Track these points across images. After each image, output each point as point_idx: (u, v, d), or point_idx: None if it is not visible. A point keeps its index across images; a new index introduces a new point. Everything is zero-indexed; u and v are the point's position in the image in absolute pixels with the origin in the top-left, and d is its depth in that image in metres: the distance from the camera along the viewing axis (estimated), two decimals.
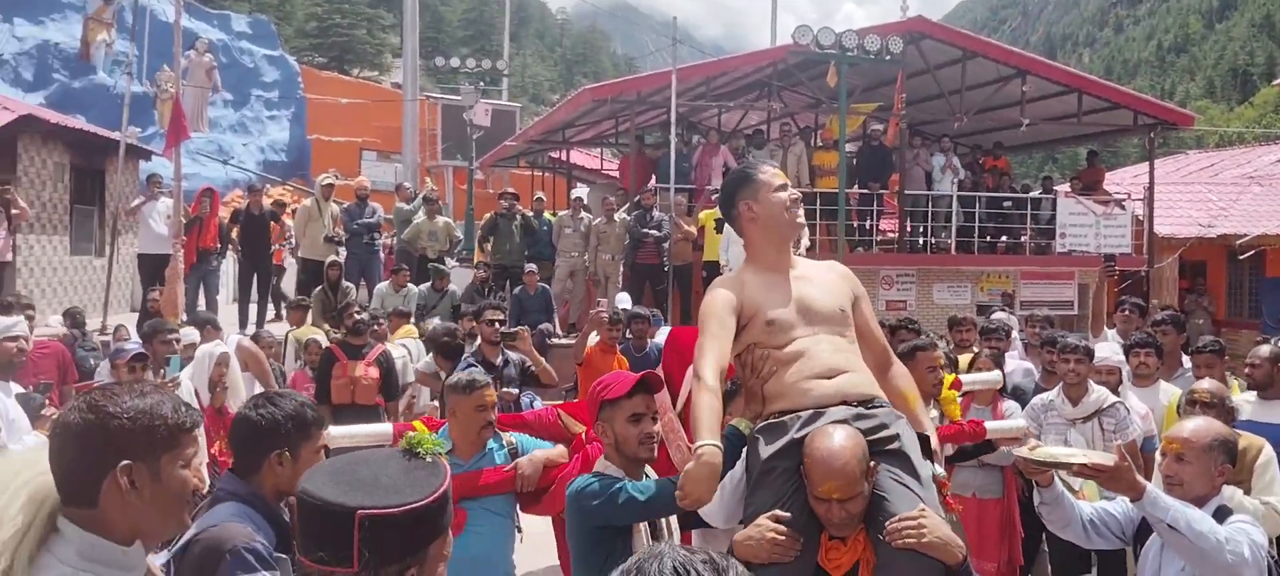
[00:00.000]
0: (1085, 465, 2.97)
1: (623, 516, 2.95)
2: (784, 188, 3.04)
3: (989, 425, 4.81)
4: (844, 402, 2.78)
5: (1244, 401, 5.43)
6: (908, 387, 3.10)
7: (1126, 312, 7.82)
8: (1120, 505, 3.26)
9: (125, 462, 1.71)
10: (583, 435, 3.81)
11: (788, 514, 2.60)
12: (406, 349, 8.78)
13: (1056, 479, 3.16)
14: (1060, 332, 7.20)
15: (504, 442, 3.88)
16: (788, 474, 2.68)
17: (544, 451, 3.84)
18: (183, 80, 11.62)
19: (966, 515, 5.95)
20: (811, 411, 2.76)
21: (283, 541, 2.37)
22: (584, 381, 8.00)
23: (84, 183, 15.60)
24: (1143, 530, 3.20)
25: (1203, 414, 4.39)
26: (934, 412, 4.71)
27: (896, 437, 2.72)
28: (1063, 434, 5.41)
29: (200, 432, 1.93)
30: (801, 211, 3.08)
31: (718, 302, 2.93)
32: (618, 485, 2.96)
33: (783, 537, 2.56)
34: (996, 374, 5.79)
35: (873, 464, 2.61)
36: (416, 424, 4.14)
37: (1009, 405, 6.04)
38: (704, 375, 2.72)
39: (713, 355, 2.78)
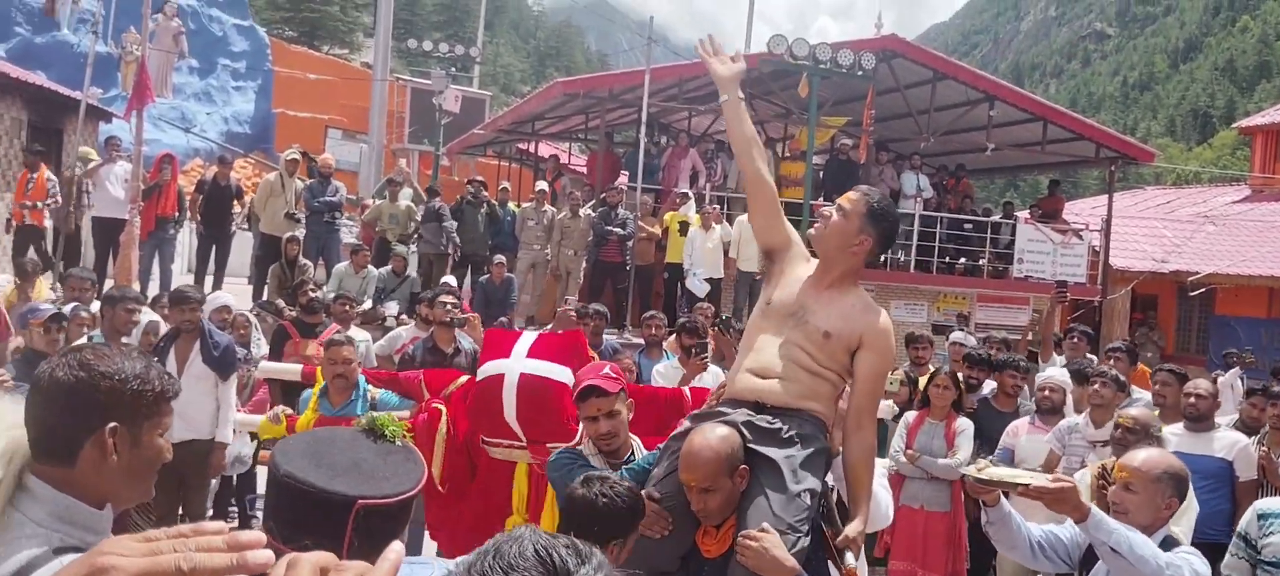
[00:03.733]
0: (1031, 487, 2.98)
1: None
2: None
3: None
4: (757, 403, 2.93)
5: (1171, 433, 5.56)
6: (862, 465, 3.03)
7: (1075, 340, 7.96)
8: (1068, 529, 3.28)
9: (112, 424, 1.68)
10: (428, 401, 4.43)
11: (659, 493, 2.85)
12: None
13: (1001, 499, 3.18)
14: (1019, 356, 7.33)
15: (366, 394, 4.84)
16: (677, 457, 2.88)
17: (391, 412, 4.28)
18: (149, 43, 11.42)
19: (913, 527, 6.05)
20: (723, 408, 2.97)
21: None
22: None
23: (42, 141, 15.27)
24: (1089, 557, 3.21)
25: (1127, 440, 4.48)
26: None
27: (772, 457, 2.81)
28: (1083, 455, 5.51)
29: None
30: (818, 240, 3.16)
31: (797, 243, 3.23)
32: (581, 465, 3.15)
33: (650, 512, 2.78)
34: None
35: (744, 467, 2.79)
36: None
37: (961, 423, 6.13)
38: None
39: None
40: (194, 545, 0.80)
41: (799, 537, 2.76)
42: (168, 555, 0.77)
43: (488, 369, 4.02)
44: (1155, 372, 6.46)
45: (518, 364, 3.97)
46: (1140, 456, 3.24)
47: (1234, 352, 11.82)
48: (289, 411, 5.17)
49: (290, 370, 5.21)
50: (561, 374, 3.91)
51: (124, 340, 6.10)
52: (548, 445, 3.89)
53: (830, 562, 2.94)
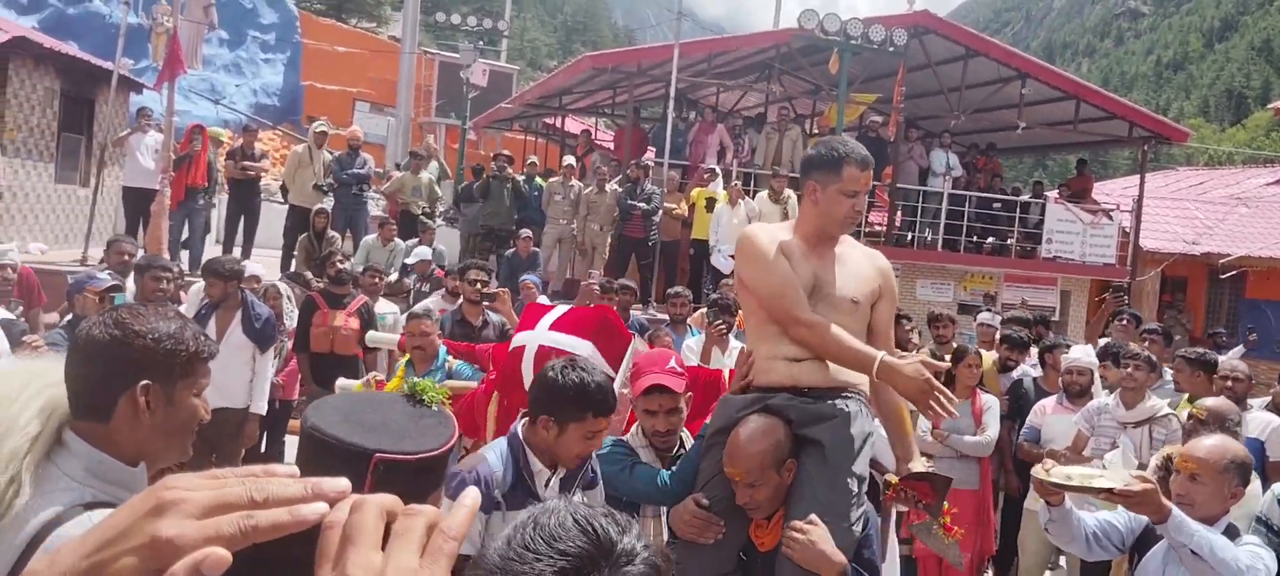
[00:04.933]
0: (1112, 490, 2.87)
1: (625, 491, 3.10)
2: (855, 196, 2.96)
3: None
4: (794, 387, 2.85)
5: None
6: (901, 403, 3.04)
7: (1124, 322, 7.95)
8: (1122, 515, 3.21)
9: (145, 382, 1.71)
10: (491, 373, 4.59)
11: (707, 499, 2.82)
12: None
13: (1066, 497, 3.08)
14: (1064, 339, 7.31)
15: (445, 364, 5.20)
16: (721, 455, 2.83)
17: (454, 383, 4.83)
18: (180, 15, 11.47)
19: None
20: (760, 394, 2.88)
21: None
22: None
23: (73, 111, 15.41)
24: (1144, 538, 3.15)
25: (1200, 432, 4.45)
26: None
27: (819, 442, 2.77)
28: (1113, 437, 5.50)
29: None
30: (856, 222, 3.06)
31: (768, 241, 2.97)
32: (632, 461, 3.11)
33: (699, 519, 2.76)
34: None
35: (791, 461, 2.74)
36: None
37: (987, 399, 6.11)
38: (803, 318, 2.84)
39: (796, 293, 2.88)
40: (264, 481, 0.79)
41: (847, 527, 2.72)
42: (235, 487, 0.76)
43: (516, 340, 4.07)
44: (1173, 358, 6.43)
45: (539, 335, 4.00)
46: (1206, 445, 3.14)
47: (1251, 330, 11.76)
48: (380, 377, 5.60)
49: (389, 339, 5.88)
50: (579, 347, 3.92)
51: (181, 309, 6.17)
52: None
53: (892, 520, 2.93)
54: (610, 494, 3.17)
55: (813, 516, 2.64)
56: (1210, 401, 4.68)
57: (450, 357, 5.35)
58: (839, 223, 2.99)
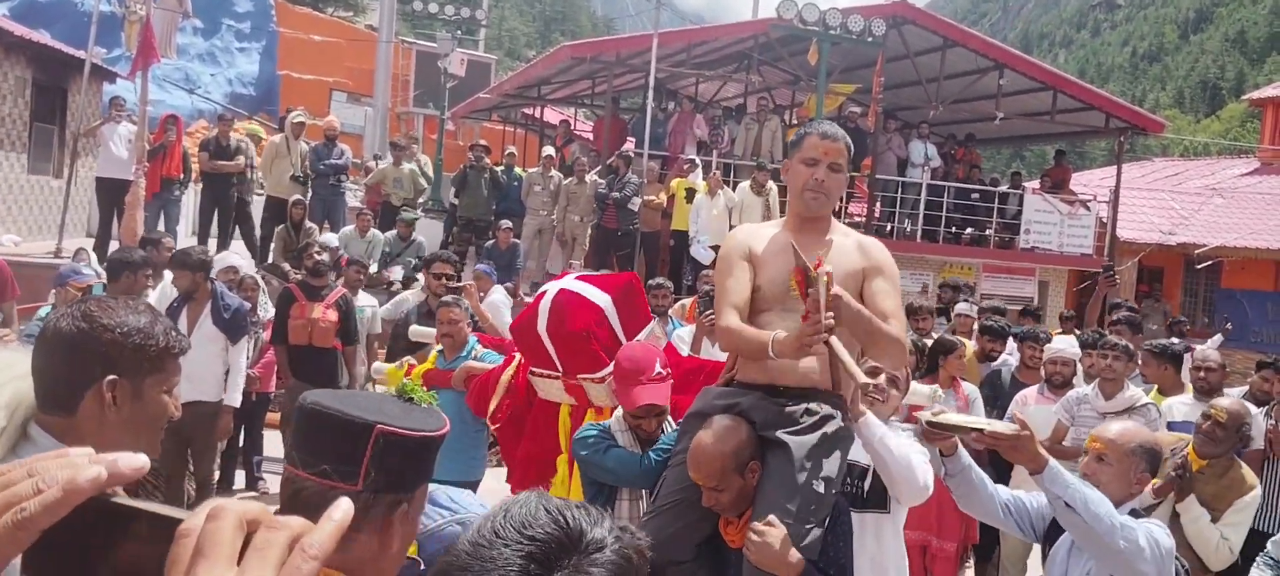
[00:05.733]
0: (985, 432, 2.91)
1: (602, 473, 3.15)
2: (813, 164, 2.93)
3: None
4: (770, 385, 2.84)
5: (1180, 403, 5.60)
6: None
7: (1118, 328, 7.95)
8: (1037, 498, 3.17)
9: (111, 377, 1.69)
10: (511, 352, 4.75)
11: (673, 488, 2.84)
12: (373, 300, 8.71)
13: (960, 449, 3.07)
14: (1043, 329, 7.34)
15: (474, 351, 5.29)
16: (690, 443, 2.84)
17: (470, 364, 5.11)
18: (153, 3, 11.32)
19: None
20: (735, 392, 2.89)
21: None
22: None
23: (45, 100, 15.21)
24: (1053, 529, 3.14)
25: (1216, 434, 4.47)
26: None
27: (784, 443, 2.75)
28: (1092, 426, 5.49)
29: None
30: (824, 194, 2.97)
31: (732, 249, 3.00)
32: (606, 443, 3.14)
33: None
34: (927, 388, 5.26)
35: (754, 463, 2.74)
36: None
37: (969, 389, 6.12)
38: (719, 325, 2.90)
39: (729, 304, 2.88)
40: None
41: (810, 529, 2.70)
42: (21, 482, 0.68)
43: (540, 291, 4.10)
44: (1142, 349, 6.47)
45: (563, 282, 4.06)
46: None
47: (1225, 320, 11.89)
48: (412, 361, 5.65)
49: (427, 332, 6.01)
50: (598, 297, 3.92)
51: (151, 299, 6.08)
52: (579, 378, 3.88)
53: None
54: (586, 477, 3.23)
55: (772, 518, 2.63)
56: (1226, 402, 4.68)
57: (479, 346, 5.46)
58: (798, 192, 2.96)
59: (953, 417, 3.02)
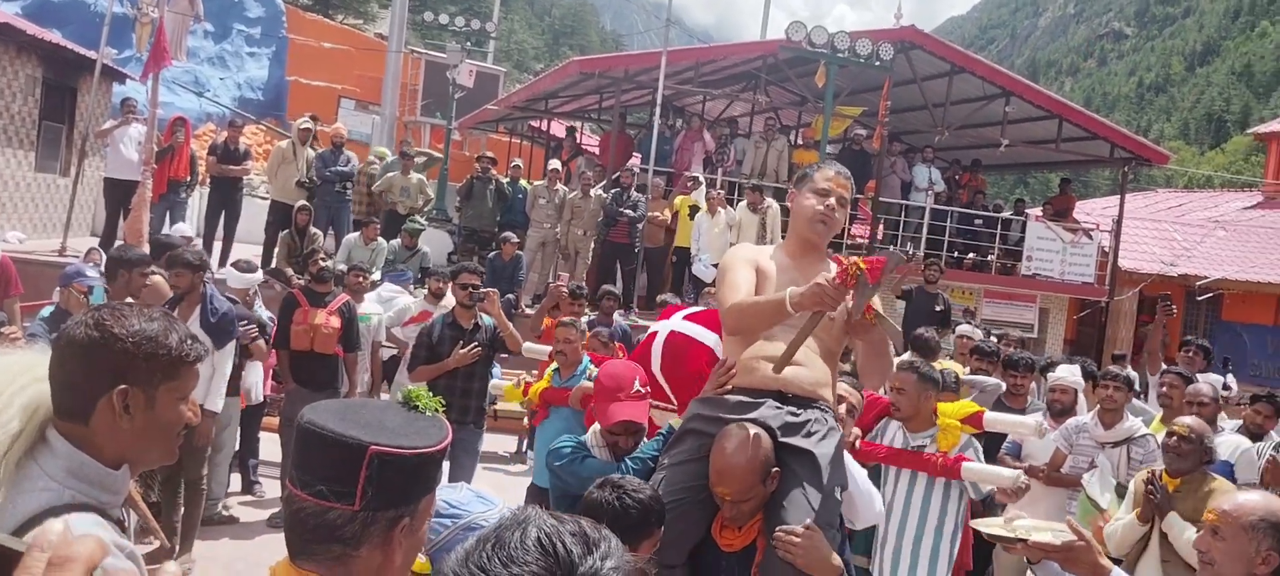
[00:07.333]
0: (1036, 544, 2.61)
1: (578, 483, 3.13)
2: (825, 194, 3.08)
3: (969, 467, 4.54)
4: (780, 394, 2.89)
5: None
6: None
7: (1190, 354, 7.96)
8: None
9: (122, 387, 1.68)
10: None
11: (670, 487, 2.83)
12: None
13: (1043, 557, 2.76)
14: (1026, 355, 7.35)
15: (587, 371, 5.60)
16: (699, 445, 2.86)
17: (586, 384, 5.33)
18: (166, 5, 11.40)
19: None
20: (747, 399, 2.90)
21: None
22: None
23: (55, 99, 15.29)
24: None
25: (1182, 449, 4.51)
26: (927, 437, 4.69)
27: (809, 451, 2.80)
28: (1091, 456, 5.53)
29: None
30: (831, 226, 3.11)
31: (738, 257, 3.10)
32: (582, 455, 3.08)
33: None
34: (1033, 419, 5.34)
35: (776, 470, 2.76)
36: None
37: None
38: (726, 305, 2.95)
39: (735, 291, 2.96)
40: None
41: (832, 533, 2.76)
42: None
43: (651, 329, 4.15)
44: (1162, 373, 6.49)
45: (672, 324, 4.11)
46: (1239, 498, 2.73)
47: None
48: (528, 378, 6.04)
49: (540, 350, 6.33)
50: (707, 337, 4.01)
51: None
52: None
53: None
54: (561, 488, 3.25)
55: (808, 522, 2.66)
56: (1189, 420, 4.74)
57: (592, 366, 5.67)
58: (808, 219, 3.08)
59: (993, 524, 2.85)
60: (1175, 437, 4.58)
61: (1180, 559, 4.38)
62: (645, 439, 3.40)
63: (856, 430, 4.49)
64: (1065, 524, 2.65)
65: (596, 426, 3.36)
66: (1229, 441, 5.69)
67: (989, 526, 2.88)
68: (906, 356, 5.52)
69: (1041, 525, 2.69)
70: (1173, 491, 4.58)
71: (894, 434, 4.79)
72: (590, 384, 5.13)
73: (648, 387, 3.42)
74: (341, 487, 1.41)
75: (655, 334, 3.99)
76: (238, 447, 7.75)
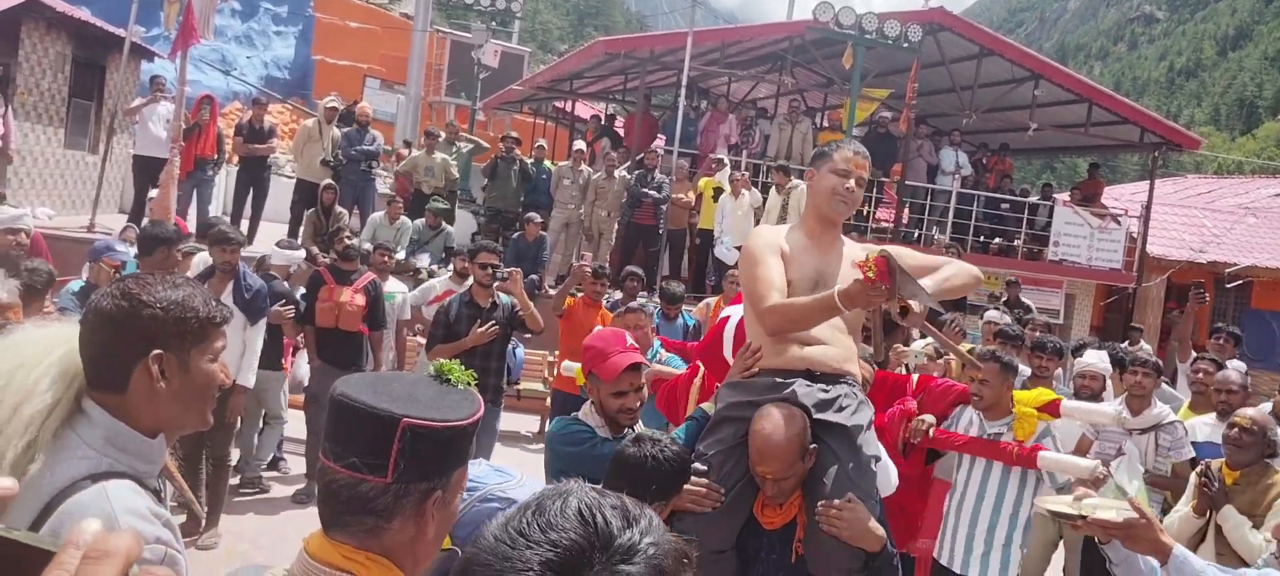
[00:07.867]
0: (1097, 521, 2.57)
1: (596, 469, 3.03)
2: (845, 175, 3.10)
3: (1045, 456, 4.36)
4: (808, 372, 2.95)
5: (1203, 423, 5.58)
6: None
7: (1221, 341, 7.91)
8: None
9: (156, 352, 1.71)
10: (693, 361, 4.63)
11: (704, 468, 2.82)
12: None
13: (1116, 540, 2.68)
14: (1053, 339, 7.28)
15: (658, 356, 5.36)
16: (737, 431, 2.92)
17: (657, 367, 5.00)
18: None
19: (915, 494, 6.02)
20: (777, 379, 2.95)
21: None
22: (565, 333, 8.04)
23: (84, 76, 15.40)
24: None
25: (1242, 441, 4.45)
26: (1003, 425, 4.66)
27: (844, 426, 2.87)
28: (1118, 442, 5.50)
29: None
30: (851, 204, 3.14)
31: (763, 244, 3.10)
32: (598, 439, 3.13)
33: (701, 491, 2.76)
34: (1111, 407, 5.16)
35: (813, 447, 2.82)
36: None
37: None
38: (766, 305, 2.95)
39: (772, 289, 2.97)
40: None
41: (875, 505, 2.83)
42: None
43: (723, 312, 4.15)
44: (1195, 361, 6.44)
45: (742, 310, 4.15)
46: None
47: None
48: (551, 358, 5.79)
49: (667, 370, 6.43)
50: None
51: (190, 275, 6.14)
52: None
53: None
54: (575, 472, 3.17)
55: (850, 495, 2.73)
56: (1249, 410, 4.68)
57: (662, 349, 5.62)
58: (827, 197, 3.11)
59: (1055, 503, 2.81)
60: (1236, 429, 4.53)
61: (1234, 553, 4.30)
62: (671, 425, 3.40)
63: (929, 417, 4.47)
64: (1128, 502, 2.61)
65: (588, 407, 3.27)
66: None
67: (1055, 503, 2.87)
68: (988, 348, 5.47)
69: (1105, 503, 2.67)
70: (1232, 483, 4.52)
71: (970, 422, 4.74)
72: (662, 368, 5.08)
73: (635, 347, 3.38)
74: (374, 460, 1.41)
75: (727, 320, 3.97)
76: (287, 421, 7.73)
